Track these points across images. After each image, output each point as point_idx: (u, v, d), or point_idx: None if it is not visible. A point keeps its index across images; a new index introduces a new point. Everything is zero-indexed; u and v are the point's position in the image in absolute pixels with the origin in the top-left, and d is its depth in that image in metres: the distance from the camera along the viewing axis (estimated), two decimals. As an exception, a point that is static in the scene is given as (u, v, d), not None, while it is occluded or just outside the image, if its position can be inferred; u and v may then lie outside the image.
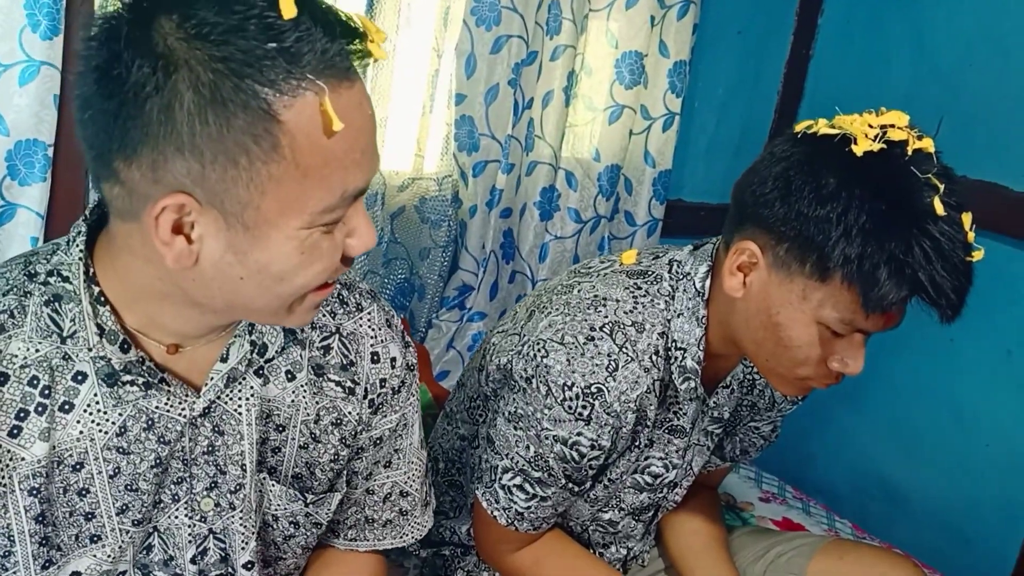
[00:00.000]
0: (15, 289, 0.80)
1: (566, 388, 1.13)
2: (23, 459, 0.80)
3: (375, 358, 0.96)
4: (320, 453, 0.95)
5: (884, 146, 1.02)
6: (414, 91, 1.87)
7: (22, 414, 0.79)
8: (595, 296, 1.19)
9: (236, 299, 0.77)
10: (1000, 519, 2.02)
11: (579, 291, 1.21)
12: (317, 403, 0.93)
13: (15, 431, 0.79)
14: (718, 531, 1.45)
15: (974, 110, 1.97)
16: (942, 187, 1.01)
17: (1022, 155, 1.93)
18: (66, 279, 0.80)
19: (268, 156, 0.69)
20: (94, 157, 0.73)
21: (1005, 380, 2.00)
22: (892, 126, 1.03)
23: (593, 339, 1.15)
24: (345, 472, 0.99)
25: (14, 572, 0.83)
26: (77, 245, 0.81)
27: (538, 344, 1.16)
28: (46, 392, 0.79)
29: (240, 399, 0.88)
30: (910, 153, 1.02)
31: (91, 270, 0.80)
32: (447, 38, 1.87)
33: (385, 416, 0.99)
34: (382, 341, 0.96)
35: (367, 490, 1.03)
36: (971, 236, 1.02)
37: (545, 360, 1.14)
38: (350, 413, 0.95)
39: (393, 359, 0.97)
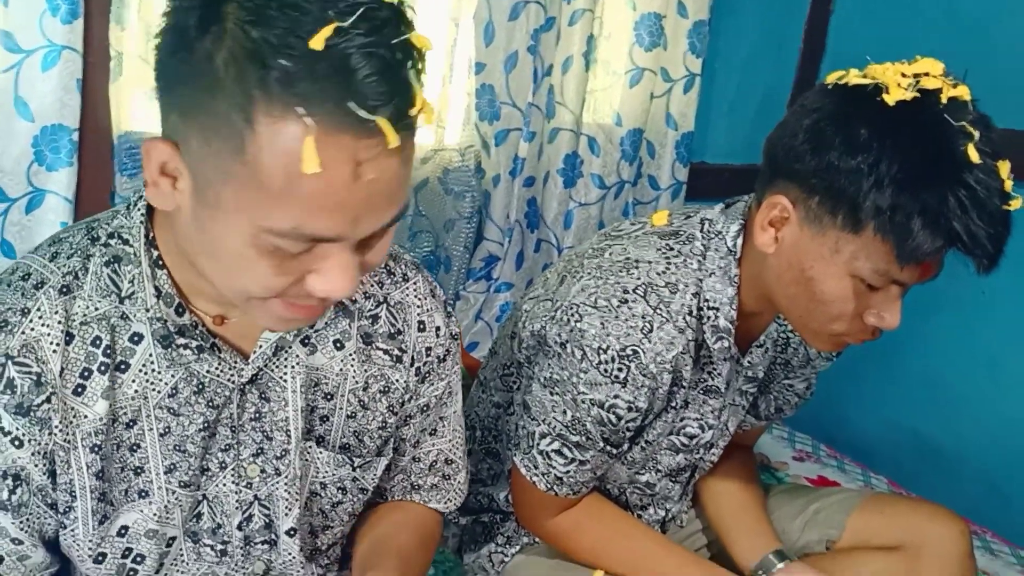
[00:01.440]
0: (79, 252, 0.83)
1: (601, 351, 1.13)
2: (86, 417, 0.82)
3: (421, 327, 0.97)
4: (368, 420, 0.96)
5: (917, 95, 1.00)
6: (433, 62, 1.86)
7: (86, 373, 0.81)
8: (627, 258, 1.19)
9: (206, 273, 0.77)
10: (1037, 471, 2.02)
11: (611, 254, 1.21)
12: (366, 371, 0.94)
13: (79, 389, 0.81)
14: (755, 490, 1.45)
15: (1003, 59, 1.94)
16: (977, 135, 0.99)
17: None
18: (126, 242, 0.82)
19: (232, 154, 0.68)
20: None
21: (1040, 332, 1.99)
22: (926, 74, 1.01)
23: (627, 301, 1.14)
24: (393, 439, 1.00)
25: (73, 527, 0.85)
26: (138, 208, 0.83)
27: (571, 308, 1.16)
28: (108, 352, 0.82)
29: (286, 367, 0.89)
30: (944, 101, 1.00)
31: (151, 234, 0.82)
32: (464, 6, 1.86)
33: (432, 384, 1.00)
34: (428, 311, 0.98)
35: (414, 458, 1.04)
36: (1008, 184, 1.00)
37: (579, 324, 1.14)
38: (397, 381, 0.96)
39: (438, 328, 0.98)
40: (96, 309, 0.81)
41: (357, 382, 0.94)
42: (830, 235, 1.06)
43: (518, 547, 1.35)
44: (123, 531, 0.87)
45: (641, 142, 2.15)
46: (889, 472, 2.09)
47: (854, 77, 1.05)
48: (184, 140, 0.71)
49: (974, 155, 0.98)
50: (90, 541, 0.86)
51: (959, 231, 0.98)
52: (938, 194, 0.98)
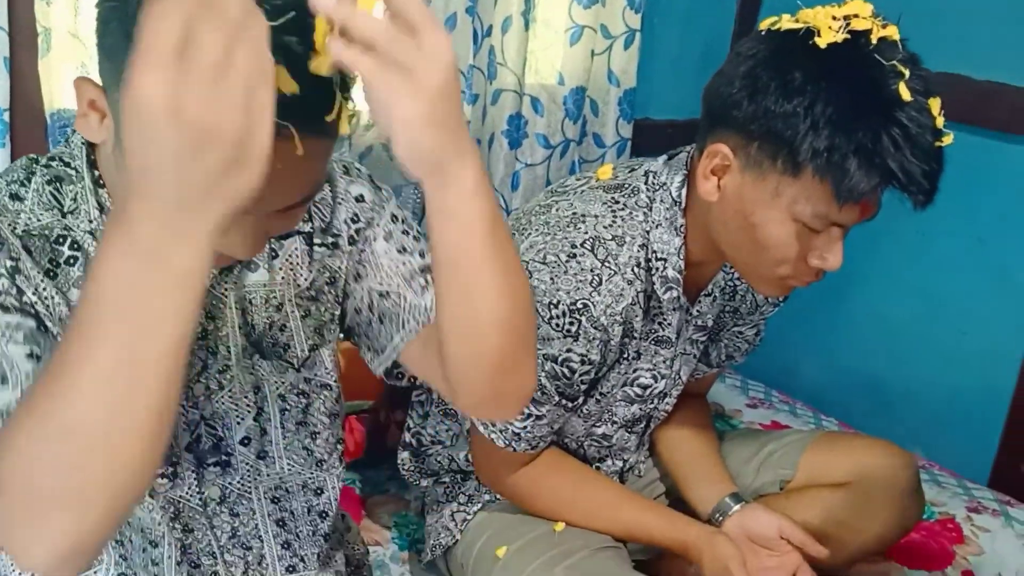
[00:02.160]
0: (21, 170, 0.85)
1: (552, 307, 1.14)
2: (61, 305, 0.82)
3: (339, 201, 0.96)
4: (322, 313, 0.97)
5: (848, 36, 1.02)
6: (371, 27, 1.84)
7: (53, 264, 0.82)
8: (574, 213, 1.20)
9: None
10: (981, 404, 2.08)
11: (557, 210, 1.22)
12: (311, 269, 0.95)
13: (52, 274, 0.82)
14: (709, 437, 1.48)
15: (934, 2, 1.97)
16: (907, 73, 1.01)
17: (983, 44, 1.93)
18: (67, 164, 0.85)
19: None
20: None
21: (978, 268, 2.04)
22: (856, 16, 1.02)
23: (575, 256, 1.15)
24: (331, 326, 0.99)
25: None
26: (78, 135, 0.84)
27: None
28: (53, 263, 0.82)
29: (227, 283, 0.90)
30: (874, 42, 1.02)
31: (92, 156, 0.84)
32: (400, -31, 1.83)
33: (368, 243, 0.97)
34: (345, 187, 0.96)
35: (380, 294, 0.98)
36: (940, 121, 1.03)
37: (529, 281, 1.15)
38: (339, 268, 0.97)
39: (359, 196, 0.97)
40: (39, 220, 0.82)
41: (303, 282, 0.95)
42: (770, 180, 1.08)
43: (480, 505, 1.37)
44: None
45: (584, 100, 2.15)
46: (839, 414, 2.15)
47: (787, 22, 1.06)
48: (110, 87, 0.73)
49: (905, 93, 1.00)
50: None
51: (894, 168, 1.00)
52: (872, 133, 1.00)
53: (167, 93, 0.53)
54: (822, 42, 1.02)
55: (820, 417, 2.11)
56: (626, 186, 1.23)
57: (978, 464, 2.08)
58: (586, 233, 1.17)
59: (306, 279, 0.95)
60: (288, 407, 0.97)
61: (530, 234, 1.20)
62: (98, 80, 0.74)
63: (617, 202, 1.21)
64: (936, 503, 1.78)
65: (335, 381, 1.00)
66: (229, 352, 0.92)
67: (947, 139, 1.03)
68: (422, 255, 0.97)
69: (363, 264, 0.97)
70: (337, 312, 0.99)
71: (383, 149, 1.94)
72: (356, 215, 0.96)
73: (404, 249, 0.97)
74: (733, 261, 1.19)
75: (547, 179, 2.15)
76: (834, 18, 1.02)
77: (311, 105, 0.66)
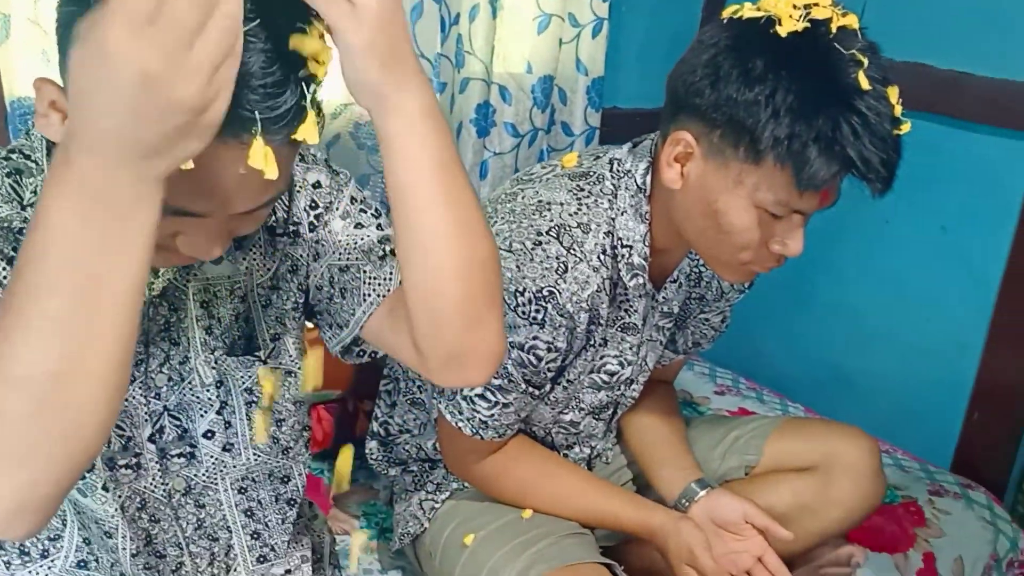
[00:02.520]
0: None
1: (518, 294, 1.15)
2: None
3: (299, 188, 0.95)
4: (284, 302, 0.96)
5: (808, 25, 1.03)
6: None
7: (3, 272, 0.79)
8: (539, 201, 1.20)
9: None
10: (944, 390, 2.11)
11: (523, 198, 1.22)
12: (274, 259, 0.94)
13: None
14: (676, 424, 1.49)
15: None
16: (866, 62, 1.02)
17: (944, 33, 1.96)
18: (27, 156, 0.83)
19: None
20: None
21: (941, 256, 2.07)
22: (816, 4, 1.03)
23: (540, 243, 1.16)
24: (299, 313, 0.99)
25: None
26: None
27: (486, 253, 1.16)
28: (11, 260, 0.80)
29: (189, 275, 0.90)
30: (834, 31, 1.03)
31: (52, 148, 0.82)
32: (366, -44, 1.82)
33: (327, 224, 0.97)
34: (302, 175, 0.96)
35: (340, 268, 0.96)
36: (898, 109, 1.04)
37: (491, 228, 1.15)
38: (301, 256, 0.96)
39: (316, 183, 0.96)
40: None
41: (266, 272, 0.94)
42: (732, 167, 1.08)
43: (448, 493, 1.37)
44: None
45: (552, 89, 2.15)
46: (805, 400, 2.17)
47: (748, 11, 1.07)
48: (64, 80, 0.71)
49: (864, 82, 1.01)
50: None
51: (853, 156, 1.02)
52: (831, 121, 1.01)
53: (138, 53, 0.53)
54: (783, 31, 1.03)
55: (787, 404, 2.14)
56: (591, 174, 1.23)
57: (941, 449, 2.12)
58: (551, 221, 1.17)
59: (269, 269, 0.94)
60: (255, 399, 0.97)
61: (496, 222, 1.20)
62: (58, 80, 0.73)
63: (582, 190, 1.21)
64: (899, 487, 1.81)
65: (299, 368, 1.00)
66: (188, 344, 0.91)
67: (905, 127, 1.04)
68: (380, 227, 0.96)
69: (321, 243, 0.96)
70: (301, 300, 0.98)
71: (350, 138, 1.93)
72: (314, 201, 0.96)
73: (361, 224, 0.97)
74: (696, 247, 1.20)
75: (515, 167, 2.15)
76: (795, 7, 1.03)
77: (278, 115, 0.66)
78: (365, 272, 0.95)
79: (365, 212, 0.97)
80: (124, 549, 0.94)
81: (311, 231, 0.96)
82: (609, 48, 2.16)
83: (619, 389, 1.37)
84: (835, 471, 1.38)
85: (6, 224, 0.81)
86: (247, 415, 0.97)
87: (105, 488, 0.91)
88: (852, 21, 1.04)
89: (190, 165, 0.63)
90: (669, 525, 1.28)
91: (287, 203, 0.95)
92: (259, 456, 0.99)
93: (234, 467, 0.98)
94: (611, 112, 2.27)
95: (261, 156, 0.66)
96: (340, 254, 0.96)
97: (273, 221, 0.94)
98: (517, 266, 1.15)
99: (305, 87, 0.67)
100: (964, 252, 2.03)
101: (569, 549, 1.26)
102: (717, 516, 1.31)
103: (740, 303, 1.50)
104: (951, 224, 2.05)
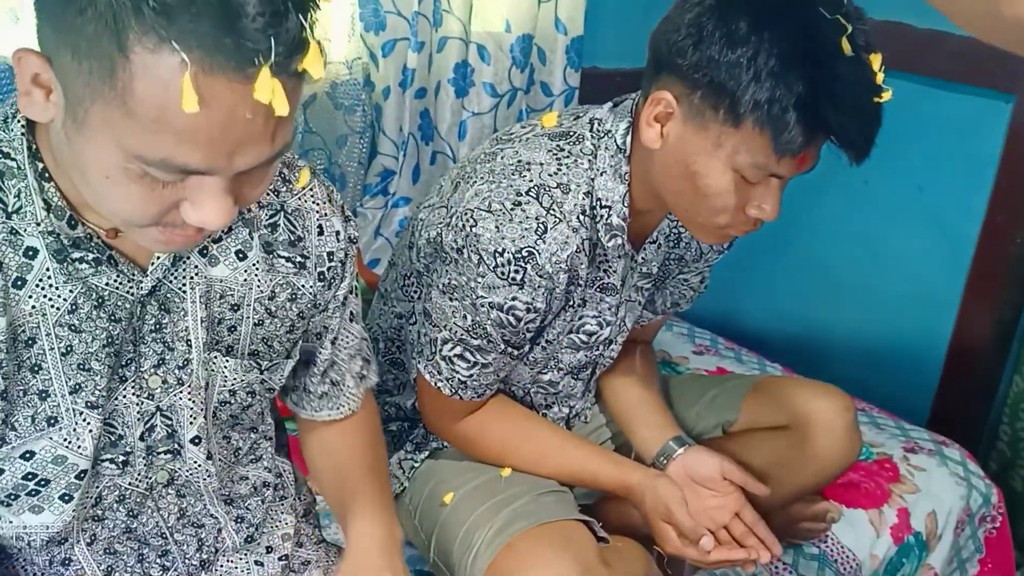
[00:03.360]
0: None
1: (497, 255, 1.14)
2: None
3: (321, 231, 0.96)
4: (277, 327, 0.96)
5: None
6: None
7: None
8: (519, 161, 1.19)
9: (80, 189, 0.75)
10: (920, 348, 2.14)
11: (503, 158, 1.21)
12: (271, 280, 0.93)
13: None
14: (654, 383, 1.50)
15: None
16: (851, 28, 1.01)
17: (924, -8, 1.95)
18: (7, 155, 0.79)
19: (102, 77, 0.66)
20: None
21: (916, 215, 2.08)
22: None
23: (520, 204, 1.15)
24: (300, 341, 1.00)
25: None
26: (17, 120, 0.79)
27: (466, 214, 1.16)
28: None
29: (185, 278, 0.88)
30: None
31: (33, 146, 0.79)
32: (341, -88, 1.79)
33: (334, 289, 1.00)
34: (326, 215, 0.96)
35: (311, 361, 1.04)
36: (880, 77, 1.04)
37: (474, 229, 1.15)
38: (304, 287, 0.96)
39: (337, 232, 0.97)
40: None
41: (263, 291, 0.93)
42: (712, 130, 1.08)
43: (427, 452, 1.38)
44: (28, 455, 0.85)
45: (531, 48, 2.13)
46: (784, 360, 2.19)
47: None
48: (56, 54, 0.68)
49: (847, 48, 1.01)
50: None
51: (831, 124, 1.02)
52: (811, 87, 1.01)
53: None
54: None
55: (765, 363, 2.15)
56: (571, 134, 1.23)
57: (917, 406, 2.15)
58: (531, 181, 1.17)
59: (265, 288, 0.93)
60: (231, 402, 0.96)
61: (475, 182, 1.20)
62: (36, 48, 0.70)
63: (562, 149, 1.21)
64: (874, 444, 1.83)
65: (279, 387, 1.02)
66: (189, 347, 0.90)
67: (886, 95, 1.04)
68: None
69: (329, 324, 1.02)
70: (295, 335, 0.98)
71: (327, 98, 1.92)
72: (332, 253, 0.97)
73: (353, 316, 1.06)
74: (674, 208, 1.20)
75: (494, 128, 2.14)
76: None
77: (282, 44, 0.65)
78: (348, 387, 1.08)
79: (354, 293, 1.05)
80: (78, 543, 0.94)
81: (320, 280, 0.97)
82: (588, 7, 2.14)
83: (598, 349, 1.38)
84: (810, 429, 1.40)
85: None
86: (215, 414, 0.97)
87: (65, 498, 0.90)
88: None
89: (196, 108, 0.63)
90: (646, 482, 1.30)
91: (297, 229, 0.94)
92: (224, 454, 1.00)
93: (212, 465, 0.98)
94: (591, 72, 2.26)
95: (268, 88, 0.65)
96: (339, 350, 1.06)
97: (271, 237, 0.93)
98: (496, 226, 1.14)
99: (304, 17, 0.66)
100: (940, 211, 2.05)
101: (547, 507, 1.27)
102: (695, 472, 1.33)
103: (719, 263, 1.51)
104: (926, 183, 2.06)
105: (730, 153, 1.08)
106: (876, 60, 1.03)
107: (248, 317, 0.93)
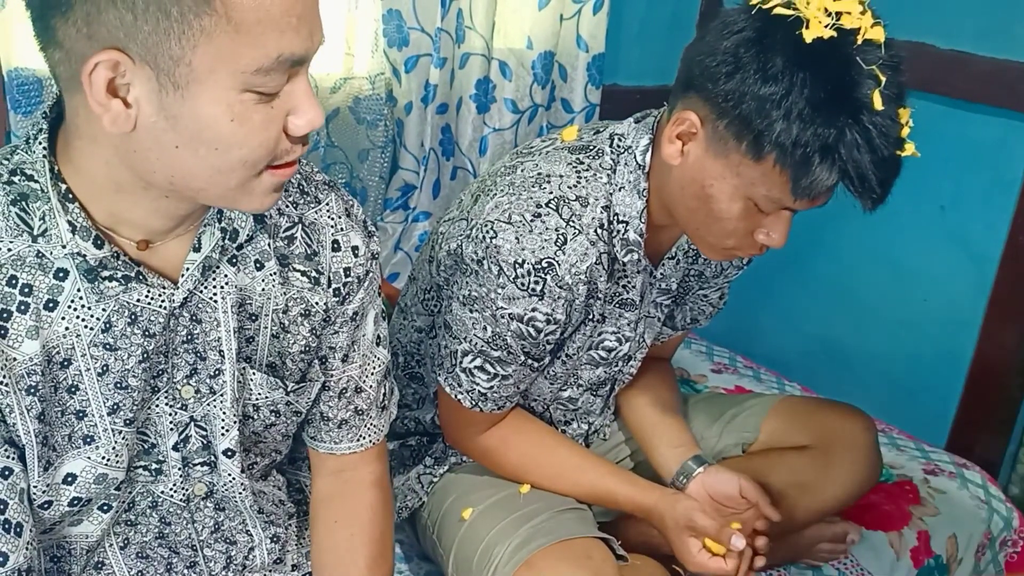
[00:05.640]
0: None
1: (517, 266, 1.14)
2: (15, 359, 0.80)
3: (336, 247, 0.96)
4: (290, 343, 0.96)
5: (835, 34, 1.02)
6: (337, -12, 1.82)
7: (4, 315, 0.79)
8: (539, 174, 1.20)
9: (177, 174, 0.76)
10: (941, 369, 2.12)
11: (522, 170, 1.22)
12: (285, 293, 0.93)
13: (1, 331, 0.79)
14: (673, 401, 1.49)
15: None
16: (884, 80, 1.01)
17: (946, 13, 1.95)
18: (31, 178, 0.79)
19: (200, 8, 0.68)
20: (35, 19, 0.73)
21: (939, 235, 2.07)
22: (848, 12, 1.02)
23: (540, 215, 1.16)
24: (316, 363, 1.00)
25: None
26: (39, 142, 0.79)
27: (486, 226, 1.16)
28: (26, 291, 0.79)
29: (216, 287, 0.88)
30: (859, 42, 1.02)
31: (55, 167, 0.79)
32: (366, -71, 1.81)
33: (351, 306, 0.99)
34: (342, 230, 0.96)
35: (324, 385, 1.02)
36: (906, 131, 1.04)
37: (494, 240, 1.15)
38: (317, 303, 0.96)
39: (355, 247, 0.97)
40: (9, 250, 0.78)
41: (278, 304, 0.93)
42: (732, 159, 1.08)
43: (446, 467, 1.38)
44: (70, 479, 0.86)
45: (553, 65, 2.14)
46: (802, 379, 2.17)
47: (779, 5, 1.05)
48: (129, 36, 0.69)
49: (878, 101, 1.01)
50: (35, 488, 0.84)
51: (852, 173, 1.02)
52: (836, 133, 1.01)
53: None
54: (808, 35, 1.01)
55: (784, 382, 2.14)
56: (591, 147, 1.23)
57: (937, 428, 2.13)
58: (551, 193, 1.17)
59: (280, 301, 0.93)
60: (254, 418, 0.96)
61: (495, 194, 1.20)
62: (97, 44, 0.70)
63: (582, 163, 1.21)
64: (894, 465, 1.81)
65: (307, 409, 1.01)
66: (222, 356, 0.90)
67: (908, 149, 1.04)
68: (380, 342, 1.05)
69: (335, 343, 1.00)
70: (308, 355, 0.98)
71: (349, 112, 1.93)
72: (348, 269, 0.97)
73: (380, 340, 1.05)
74: (684, 225, 1.20)
75: (515, 144, 2.15)
76: (826, 11, 1.02)
77: None
78: (370, 416, 1.05)
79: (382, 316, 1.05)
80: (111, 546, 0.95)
81: (335, 296, 0.97)
82: (610, 25, 2.15)
83: (617, 365, 1.37)
84: (832, 450, 1.38)
85: (19, 260, 0.79)
86: (265, 436, 0.98)
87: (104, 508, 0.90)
88: (878, 35, 1.02)
89: None
90: (665, 504, 1.28)
91: (313, 243, 0.94)
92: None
93: (248, 484, 0.98)
94: (611, 89, 2.26)
95: None
96: (360, 372, 1.03)
97: (287, 249, 0.93)
98: (516, 238, 1.14)
99: None
100: (963, 232, 2.03)
101: (566, 524, 1.26)
102: (714, 491, 1.32)
103: (738, 281, 1.50)
104: (949, 203, 2.05)
105: (747, 183, 1.09)
106: (904, 114, 1.04)
107: (266, 327, 0.93)
